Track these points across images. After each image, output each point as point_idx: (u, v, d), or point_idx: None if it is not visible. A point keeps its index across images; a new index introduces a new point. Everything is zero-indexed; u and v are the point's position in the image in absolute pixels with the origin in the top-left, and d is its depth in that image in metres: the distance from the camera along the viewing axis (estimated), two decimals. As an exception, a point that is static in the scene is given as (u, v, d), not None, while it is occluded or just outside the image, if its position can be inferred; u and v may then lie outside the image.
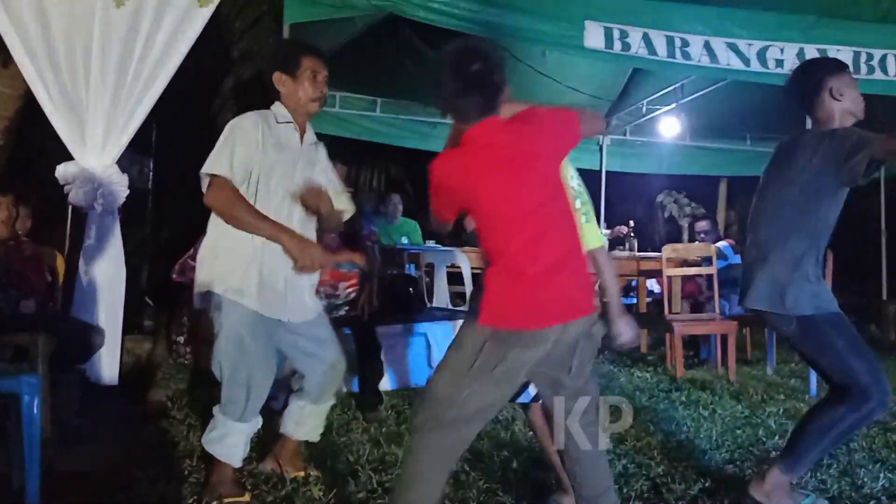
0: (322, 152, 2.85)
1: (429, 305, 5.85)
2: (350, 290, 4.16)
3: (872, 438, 3.52)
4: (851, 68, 3.07)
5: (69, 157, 4.08)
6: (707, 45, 4.36)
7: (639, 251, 6.83)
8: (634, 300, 7.00)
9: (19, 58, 4.02)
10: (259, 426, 2.74)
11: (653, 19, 4.32)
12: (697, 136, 8.13)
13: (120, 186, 4.13)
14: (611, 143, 8.41)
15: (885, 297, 8.28)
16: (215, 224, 2.64)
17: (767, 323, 2.71)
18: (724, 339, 5.46)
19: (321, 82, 2.72)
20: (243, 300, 2.59)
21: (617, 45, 4.28)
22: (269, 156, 2.62)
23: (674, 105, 7.39)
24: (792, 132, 2.83)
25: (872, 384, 2.45)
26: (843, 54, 4.30)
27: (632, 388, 4.80)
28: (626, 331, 2.57)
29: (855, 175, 2.47)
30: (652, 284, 6.79)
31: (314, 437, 2.91)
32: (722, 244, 6.56)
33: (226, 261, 2.60)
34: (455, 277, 6.31)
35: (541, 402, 2.73)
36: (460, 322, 2.28)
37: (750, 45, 4.39)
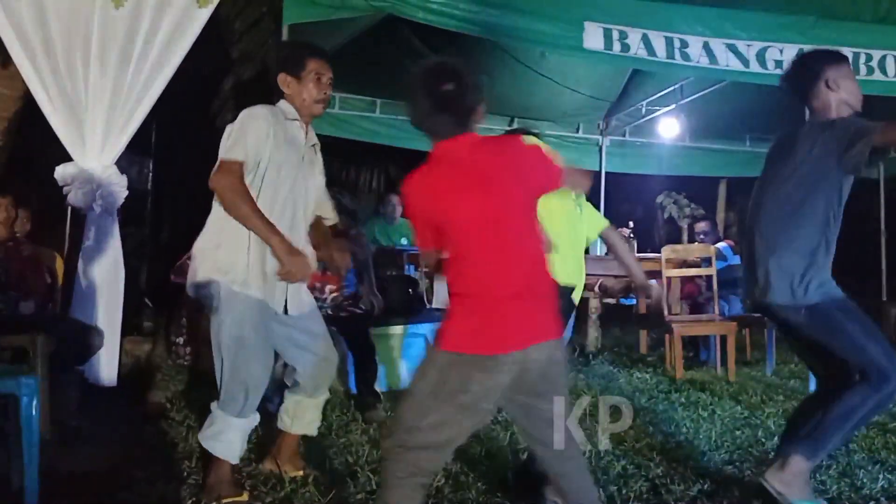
0: (320, 155, 2.87)
1: (428, 307, 5.85)
2: (335, 293, 4.17)
3: (872, 440, 3.52)
4: (851, 69, 3.06)
5: (68, 158, 4.08)
6: (706, 46, 4.36)
7: (638, 252, 6.82)
8: (634, 301, 7.00)
9: (18, 59, 4.03)
10: (256, 422, 2.74)
11: (652, 20, 4.32)
12: (697, 138, 8.13)
13: (119, 187, 4.14)
14: (610, 144, 8.41)
15: (885, 297, 8.28)
16: (218, 213, 2.62)
17: (774, 316, 2.67)
18: (724, 339, 5.46)
19: (325, 84, 2.74)
20: (249, 291, 2.58)
21: (616, 47, 4.28)
22: (279, 150, 2.63)
23: (673, 106, 7.39)
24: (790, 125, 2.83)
25: (890, 365, 2.44)
26: (843, 55, 4.29)
27: (631, 388, 4.80)
28: (655, 289, 2.88)
29: (857, 164, 2.46)
30: (649, 299, 6.78)
31: (311, 430, 2.91)
32: (721, 245, 6.57)
33: (230, 250, 2.58)
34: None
35: None
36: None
37: (749, 46, 4.39)
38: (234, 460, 2.67)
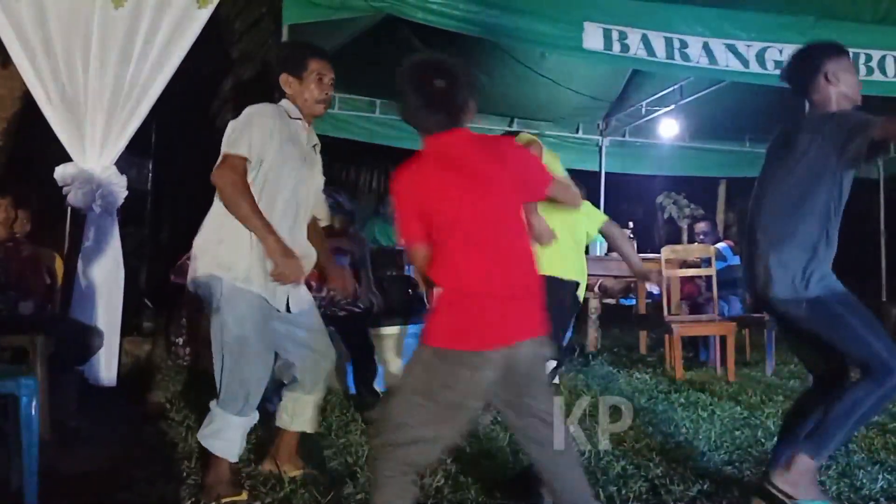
0: (319, 156, 2.87)
1: (428, 307, 5.85)
2: (332, 291, 4.18)
3: (871, 440, 3.52)
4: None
5: (68, 159, 4.08)
6: (706, 47, 4.36)
7: (638, 252, 6.82)
8: (634, 301, 7.00)
9: (18, 59, 4.03)
10: (255, 421, 2.74)
11: (651, 21, 4.32)
12: (696, 138, 8.13)
13: (118, 188, 4.14)
14: (610, 144, 8.42)
15: (884, 298, 8.28)
16: (220, 208, 2.61)
17: (774, 309, 2.64)
18: (723, 340, 5.46)
19: (327, 85, 2.75)
20: (252, 287, 2.57)
21: (616, 47, 4.28)
22: (283, 149, 2.63)
23: (673, 106, 7.39)
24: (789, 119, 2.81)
25: (891, 357, 2.43)
26: (842, 55, 4.30)
27: (631, 389, 4.80)
28: (654, 273, 2.57)
29: (856, 157, 2.45)
30: (651, 286, 6.79)
31: (310, 428, 2.91)
32: (721, 245, 6.57)
33: (232, 246, 2.56)
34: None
35: None
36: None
37: (749, 46, 4.40)
38: (234, 459, 2.66)
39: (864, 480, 2.95)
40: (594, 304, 6.53)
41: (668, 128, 7.91)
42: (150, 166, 6.38)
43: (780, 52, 4.35)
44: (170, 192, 8.39)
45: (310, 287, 3.03)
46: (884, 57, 4.48)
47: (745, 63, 4.40)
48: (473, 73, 2.11)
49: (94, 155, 4.08)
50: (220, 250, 2.58)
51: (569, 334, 5.05)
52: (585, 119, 8.14)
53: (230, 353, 2.57)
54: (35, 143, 5.04)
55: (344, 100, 7.21)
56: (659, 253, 5.90)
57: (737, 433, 3.68)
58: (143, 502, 2.65)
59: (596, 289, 6.58)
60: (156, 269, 6.71)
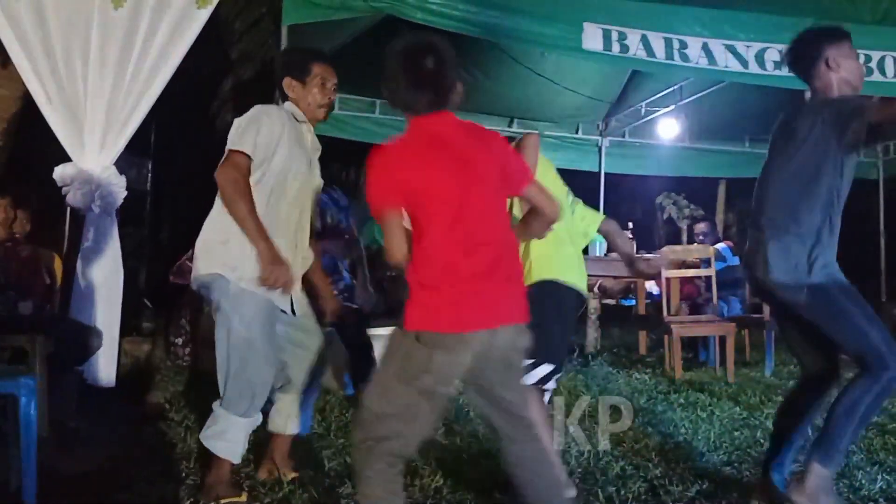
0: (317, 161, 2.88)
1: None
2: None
3: (870, 441, 3.51)
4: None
5: (67, 159, 4.08)
6: (705, 47, 4.36)
7: (638, 253, 6.83)
8: (633, 302, 7.01)
9: (17, 59, 4.03)
10: (259, 422, 2.73)
11: (651, 21, 4.32)
12: (696, 138, 8.13)
13: (118, 188, 4.14)
14: (609, 144, 8.42)
15: (884, 298, 8.29)
16: (223, 207, 2.58)
17: (774, 295, 2.61)
18: (723, 340, 5.46)
19: (330, 90, 2.76)
20: (258, 289, 2.54)
21: (615, 47, 4.28)
22: (292, 151, 2.63)
23: (672, 107, 7.39)
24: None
25: (889, 352, 2.41)
26: (842, 56, 4.30)
27: (630, 389, 4.80)
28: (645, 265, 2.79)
29: (854, 142, 2.44)
30: (651, 286, 6.80)
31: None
32: (720, 246, 6.57)
33: (238, 246, 2.53)
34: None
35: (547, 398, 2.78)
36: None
37: (748, 47, 4.40)
38: (237, 460, 2.66)
39: (863, 481, 2.95)
40: (594, 304, 6.53)
41: (668, 128, 7.92)
42: (150, 166, 6.38)
43: (780, 52, 4.34)
44: (169, 192, 8.39)
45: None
46: (883, 57, 4.49)
47: (745, 64, 4.40)
48: (458, 57, 2.09)
49: (93, 155, 4.08)
50: (227, 250, 2.55)
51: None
52: (585, 119, 8.14)
53: (236, 355, 2.56)
54: (34, 144, 5.04)
55: (344, 100, 7.20)
56: (658, 253, 5.89)
57: (736, 434, 3.68)
58: (142, 502, 2.65)
59: (595, 289, 6.59)
60: (155, 270, 6.71)
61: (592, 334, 6.55)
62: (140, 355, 5.10)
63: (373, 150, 2.02)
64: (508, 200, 2.89)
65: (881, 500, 2.80)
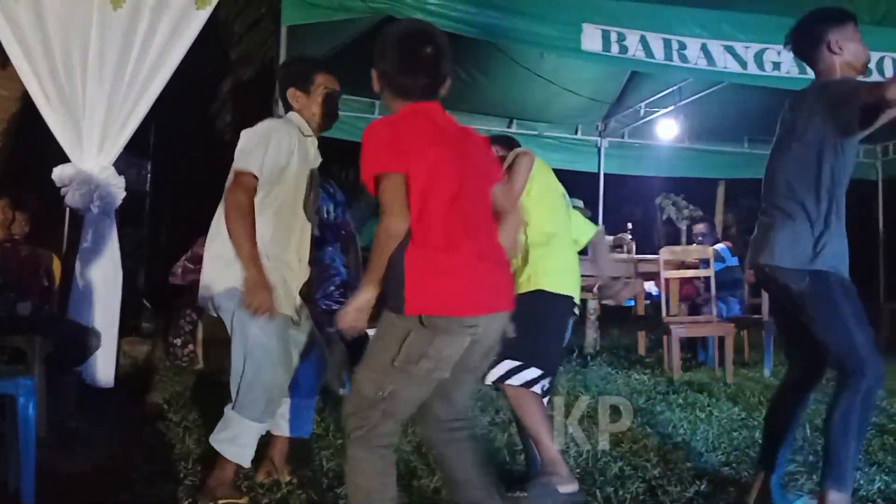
0: None
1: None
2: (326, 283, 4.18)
3: (868, 441, 3.51)
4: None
5: (66, 159, 4.08)
6: (704, 48, 4.37)
7: (637, 254, 6.84)
8: (633, 303, 7.01)
9: (16, 60, 4.02)
10: (268, 427, 2.75)
11: (650, 22, 4.32)
12: (695, 139, 8.14)
13: (117, 188, 4.13)
14: (609, 145, 8.43)
15: (882, 298, 8.30)
16: None
17: (775, 281, 2.57)
18: (722, 341, 5.46)
19: (333, 99, 2.76)
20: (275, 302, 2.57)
21: (614, 48, 4.29)
22: (302, 168, 2.66)
23: (672, 108, 7.40)
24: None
25: (868, 358, 2.41)
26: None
27: (629, 390, 4.80)
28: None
29: (848, 125, 2.43)
30: (650, 287, 6.81)
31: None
32: (719, 247, 6.58)
33: None
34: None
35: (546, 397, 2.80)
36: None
37: (747, 47, 4.40)
38: (247, 465, 2.67)
39: (862, 482, 2.95)
40: (593, 305, 6.53)
41: (667, 129, 7.92)
42: (149, 167, 6.36)
43: (779, 53, 4.36)
44: (168, 193, 8.39)
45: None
46: (882, 58, 4.49)
47: (744, 64, 4.40)
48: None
49: (92, 155, 4.07)
50: (239, 264, 2.53)
51: (568, 335, 5.04)
52: (584, 120, 8.14)
53: (252, 362, 2.58)
54: (33, 144, 5.04)
55: (343, 100, 7.19)
56: (657, 254, 5.90)
57: (734, 434, 3.68)
58: (140, 503, 2.65)
59: (594, 290, 6.58)
60: (154, 271, 6.71)
61: (591, 335, 6.55)
62: (139, 356, 5.11)
63: (373, 124, 1.98)
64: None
65: (879, 500, 2.80)
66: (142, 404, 4.04)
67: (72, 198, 4.05)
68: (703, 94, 6.80)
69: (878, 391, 2.54)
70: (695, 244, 6.76)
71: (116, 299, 4.13)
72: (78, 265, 4.06)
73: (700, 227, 7.10)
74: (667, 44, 4.32)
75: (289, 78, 2.78)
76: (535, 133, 7.92)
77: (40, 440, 2.61)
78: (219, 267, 2.61)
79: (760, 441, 2.84)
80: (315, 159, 2.79)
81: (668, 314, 5.73)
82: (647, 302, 6.72)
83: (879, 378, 2.45)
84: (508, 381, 2.73)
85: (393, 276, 1.92)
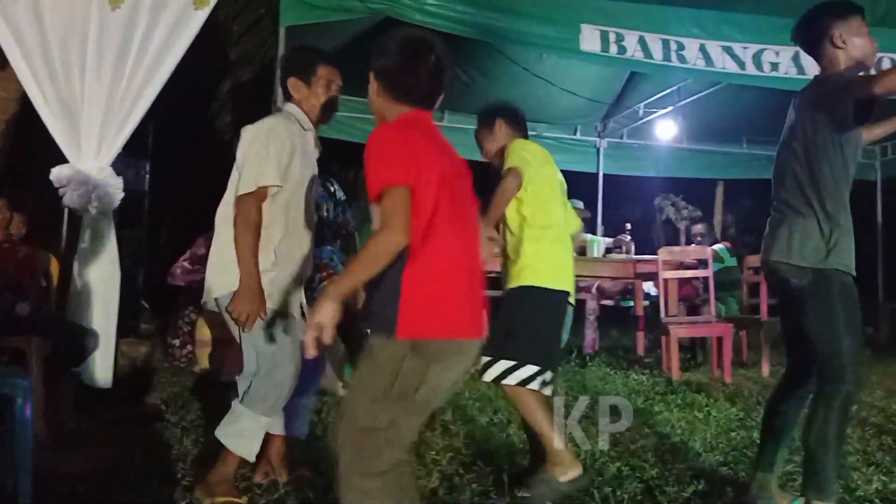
0: None
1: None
2: (323, 279, 4.17)
3: (867, 441, 3.52)
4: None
5: (65, 160, 4.07)
6: (703, 49, 4.38)
7: (636, 254, 6.85)
8: (632, 303, 7.01)
9: (15, 60, 4.02)
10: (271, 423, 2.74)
11: (648, 23, 4.33)
12: (694, 139, 8.15)
13: (115, 189, 4.12)
14: (608, 146, 8.44)
15: (881, 298, 8.31)
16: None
17: (779, 274, 2.55)
18: (720, 341, 5.46)
19: (334, 91, 2.77)
20: (279, 307, 2.59)
21: (613, 49, 4.29)
22: (305, 166, 2.66)
23: (670, 108, 7.41)
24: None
25: (849, 365, 2.40)
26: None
27: (627, 390, 4.80)
28: None
29: (842, 119, 2.41)
30: (648, 287, 6.81)
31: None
32: (718, 247, 6.58)
33: (262, 262, 2.56)
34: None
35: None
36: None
37: (745, 48, 4.41)
38: (252, 458, 2.66)
39: (860, 482, 2.95)
40: (592, 305, 6.54)
41: (666, 129, 7.93)
42: (148, 168, 6.36)
43: (777, 54, 4.37)
44: (167, 193, 8.39)
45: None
46: (881, 59, 4.48)
47: (742, 65, 4.41)
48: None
49: (90, 156, 4.06)
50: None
51: (566, 335, 5.05)
52: (583, 121, 8.15)
53: (265, 360, 2.59)
54: (32, 145, 5.03)
55: (343, 101, 7.18)
56: (656, 255, 5.90)
57: (733, 434, 3.68)
58: (139, 503, 2.64)
59: (593, 290, 6.59)
60: (153, 271, 6.70)
61: (590, 335, 6.55)
62: (137, 356, 5.09)
63: (382, 129, 1.87)
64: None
65: (877, 500, 2.80)
66: (140, 405, 4.03)
67: (70, 198, 4.05)
68: (701, 94, 6.80)
69: (856, 399, 2.54)
70: (693, 244, 6.76)
71: (115, 300, 4.13)
72: (76, 266, 4.06)
73: (699, 228, 7.10)
74: (665, 44, 4.33)
75: (290, 67, 2.78)
76: (534, 133, 7.91)
77: (38, 441, 2.61)
78: (222, 271, 2.61)
79: (758, 441, 2.84)
80: (315, 150, 2.79)
81: (666, 314, 5.74)
82: (646, 302, 6.73)
83: (860, 387, 2.46)
84: (505, 381, 2.74)
85: (382, 296, 1.80)
